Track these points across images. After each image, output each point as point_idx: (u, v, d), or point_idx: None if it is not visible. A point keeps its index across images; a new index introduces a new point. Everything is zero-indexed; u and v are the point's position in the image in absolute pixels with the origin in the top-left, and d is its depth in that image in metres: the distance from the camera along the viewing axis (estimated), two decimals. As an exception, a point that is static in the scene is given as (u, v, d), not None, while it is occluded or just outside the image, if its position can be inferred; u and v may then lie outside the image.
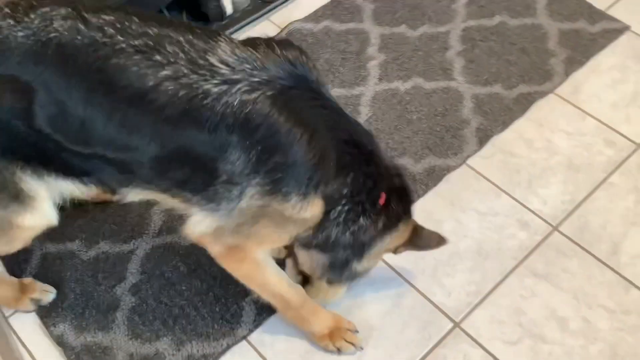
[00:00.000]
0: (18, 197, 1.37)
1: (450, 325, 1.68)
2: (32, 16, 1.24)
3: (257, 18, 2.41)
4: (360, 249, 1.48)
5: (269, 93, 1.25)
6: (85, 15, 1.24)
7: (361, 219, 1.41)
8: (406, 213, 1.51)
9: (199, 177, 1.31)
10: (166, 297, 1.72)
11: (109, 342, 1.65)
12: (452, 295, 1.72)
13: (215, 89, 1.23)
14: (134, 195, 1.44)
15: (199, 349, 1.64)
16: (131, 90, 1.22)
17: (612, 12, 2.37)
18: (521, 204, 1.89)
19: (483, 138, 2.04)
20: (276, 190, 1.28)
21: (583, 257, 1.78)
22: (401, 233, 1.52)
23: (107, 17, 1.24)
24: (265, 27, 2.39)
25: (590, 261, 1.77)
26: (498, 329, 1.67)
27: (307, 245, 1.48)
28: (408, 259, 1.76)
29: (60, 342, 1.65)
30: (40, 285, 1.73)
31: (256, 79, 1.26)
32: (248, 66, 1.26)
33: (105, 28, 1.23)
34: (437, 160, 1.99)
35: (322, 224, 1.40)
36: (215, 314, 1.70)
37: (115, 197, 1.79)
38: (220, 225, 1.36)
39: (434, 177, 1.96)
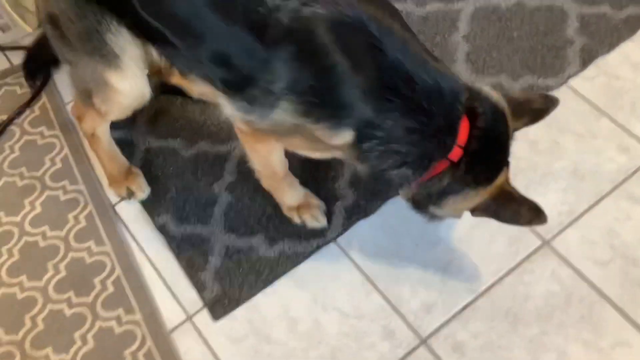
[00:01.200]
0: (102, 52, 1.46)
1: (539, 242, 1.68)
2: None
3: None
4: (433, 197, 1.43)
5: (321, 15, 1.25)
6: None
7: (404, 169, 1.36)
8: (477, 179, 1.39)
9: (240, 77, 1.35)
10: (260, 197, 1.79)
11: (207, 234, 1.74)
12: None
13: (270, 1, 1.26)
14: (196, 85, 1.52)
15: (290, 247, 1.71)
16: None
17: None
18: (623, 127, 1.83)
19: (587, 59, 1.97)
20: (309, 113, 1.32)
21: (685, 185, 1.73)
22: (470, 197, 1.42)
23: None
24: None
25: (693, 189, 1.72)
26: (589, 249, 1.65)
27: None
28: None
29: (163, 230, 1.76)
30: (142, 180, 1.82)
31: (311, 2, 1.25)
32: None
33: None
34: (537, 79, 1.94)
35: (360, 154, 1.38)
36: (306, 215, 1.76)
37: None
38: (252, 121, 1.42)
39: (532, 96, 1.92)
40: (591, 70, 1.95)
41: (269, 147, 1.57)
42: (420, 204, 1.48)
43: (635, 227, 1.67)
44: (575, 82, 1.93)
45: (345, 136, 1.34)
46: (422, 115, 1.31)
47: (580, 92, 1.91)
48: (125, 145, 1.89)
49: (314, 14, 1.25)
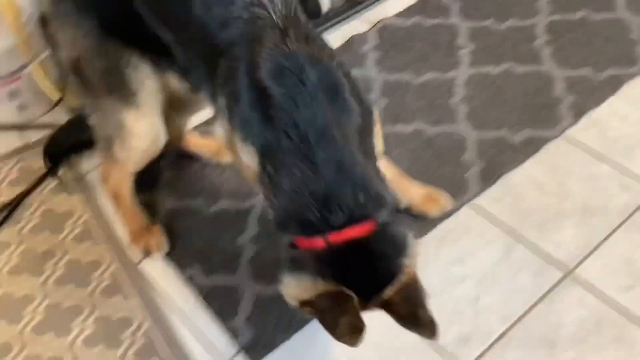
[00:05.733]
0: (120, 89, 1.51)
1: (562, 274, 1.72)
2: None
3: (351, 15, 2.57)
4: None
5: (271, 30, 1.29)
6: None
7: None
8: (322, 275, 1.21)
9: (210, 82, 1.39)
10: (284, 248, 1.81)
11: (235, 283, 1.74)
12: (562, 247, 1.77)
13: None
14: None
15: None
16: None
17: (694, 6, 2.46)
18: (621, 169, 1.95)
19: (578, 113, 2.13)
20: (231, 119, 1.34)
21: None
22: (305, 286, 1.25)
23: None
24: (358, 24, 2.54)
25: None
26: (611, 276, 1.70)
27: None
28: (513, 216, 1.83)
29: (191, 282, 1.76)
30: (160, 237, 1.84)
31: (270, 14, 1.32)
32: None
33: None
34: (535, 132, 2.07)
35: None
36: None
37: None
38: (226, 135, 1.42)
39: (532, 147, 2.04)
40: (584, 122, 2.10)
41: None
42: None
43: (653, 253, 1.75)
44: (571, 133, 2.07)
45: (252, 153, 1.30)
46: (311, 172, 1.21)
47: (579, 140, 2.04)
48: (147, 207, 1.92)
49: (263, 23, 1.30)
